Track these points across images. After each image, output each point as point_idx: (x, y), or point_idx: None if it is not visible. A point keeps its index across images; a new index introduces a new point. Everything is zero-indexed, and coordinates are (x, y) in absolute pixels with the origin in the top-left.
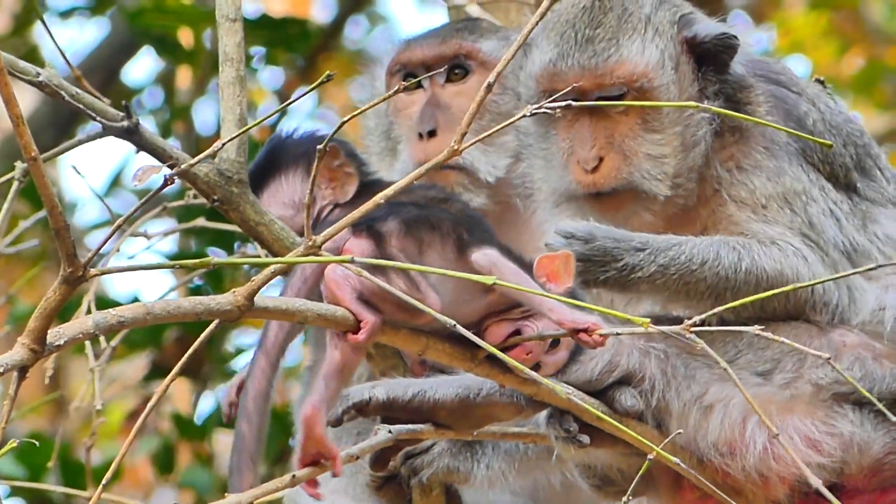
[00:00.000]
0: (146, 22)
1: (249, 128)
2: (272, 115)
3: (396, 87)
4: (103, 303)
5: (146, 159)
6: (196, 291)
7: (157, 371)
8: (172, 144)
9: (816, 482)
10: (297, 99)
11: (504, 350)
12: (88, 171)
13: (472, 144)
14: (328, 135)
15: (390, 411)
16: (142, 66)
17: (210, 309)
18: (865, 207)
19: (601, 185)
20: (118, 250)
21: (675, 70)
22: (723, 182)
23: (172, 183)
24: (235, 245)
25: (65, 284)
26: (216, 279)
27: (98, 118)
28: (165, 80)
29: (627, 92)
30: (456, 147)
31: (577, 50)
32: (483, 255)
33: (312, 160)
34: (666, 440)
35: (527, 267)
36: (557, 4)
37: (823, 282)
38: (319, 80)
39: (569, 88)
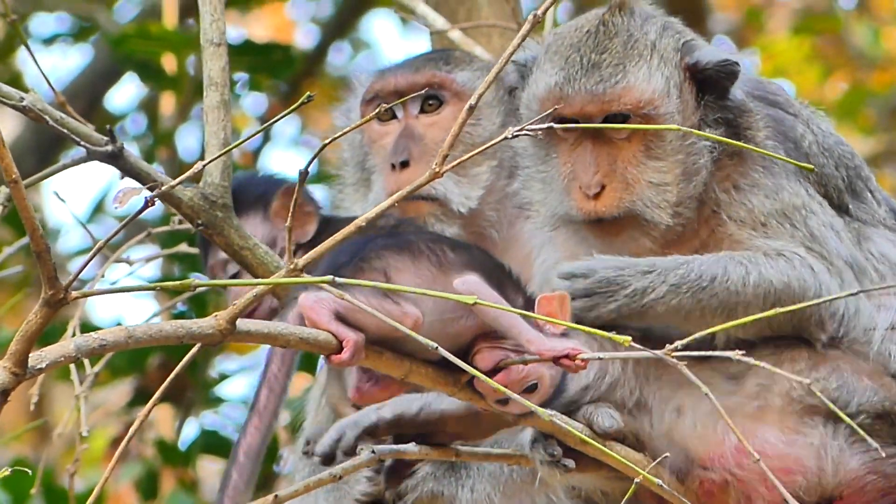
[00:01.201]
0: (129, 48)
1: (230, 149)
2: (253, 136)
3: (367, 117)
4: (86, 328)
5: (129, 183)
6: (179, 317)
7: (141, 397)
8: (156, 169)
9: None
10: (277, 120)
11: (487, 375)
12: (71, 196)
13: (452, 167)
14: (285, 178)
15: (400, 428)
16: (125, 93)
17: (192, 332)
18: (858, 227)
19: (603, 213)
20: (102, 276)
21: (679, 97)
22: (721, 204)
23: (153, 205)
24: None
25: (46, 307)
26: (199, 305)
27: (82, 143)
28: (148, 107)
29: (631, 118)
30: (437, 170)
31: (583, 74)
32: (463, 283)
33: (270, 202)
34: (652, 464)
35: (514, 287)
36: (559, 28)
37: (845, 296)
38: (299, 102)
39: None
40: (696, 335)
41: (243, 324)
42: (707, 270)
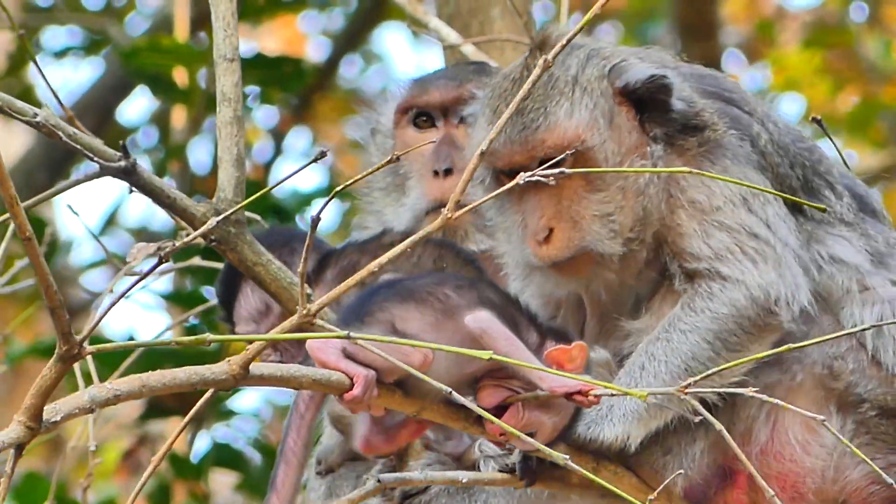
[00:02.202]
0: (141, 61)
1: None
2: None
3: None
4: (97, 341)
5: (142, 200)
6: (192, 331)
7: (153, 411)
8: (168, 184)
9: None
10: (290, 177)
11: (497, 412)
12: (84, 209)
13: (465, 212)
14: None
15: None
16: (137, 106)
17: (205, 379)
18: (811, 228)
19: (556, 257)
20: (111, 290)
21: (610, 124)
22: (685, 186)
23: (167, 261)
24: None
25: (60, 363)
26: (211, 319)
27: (95, 158)
28: (160, 120)
29: (565, 158)
30: (450, 216)
31: (509, 125)
32: (474, 320)
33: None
34: (658, 489)
35: (527, 320)
36: (494, 80)
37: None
38: (313, 158)
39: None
40: (708, 372)
41: (256, 368)
42: (654, 360)
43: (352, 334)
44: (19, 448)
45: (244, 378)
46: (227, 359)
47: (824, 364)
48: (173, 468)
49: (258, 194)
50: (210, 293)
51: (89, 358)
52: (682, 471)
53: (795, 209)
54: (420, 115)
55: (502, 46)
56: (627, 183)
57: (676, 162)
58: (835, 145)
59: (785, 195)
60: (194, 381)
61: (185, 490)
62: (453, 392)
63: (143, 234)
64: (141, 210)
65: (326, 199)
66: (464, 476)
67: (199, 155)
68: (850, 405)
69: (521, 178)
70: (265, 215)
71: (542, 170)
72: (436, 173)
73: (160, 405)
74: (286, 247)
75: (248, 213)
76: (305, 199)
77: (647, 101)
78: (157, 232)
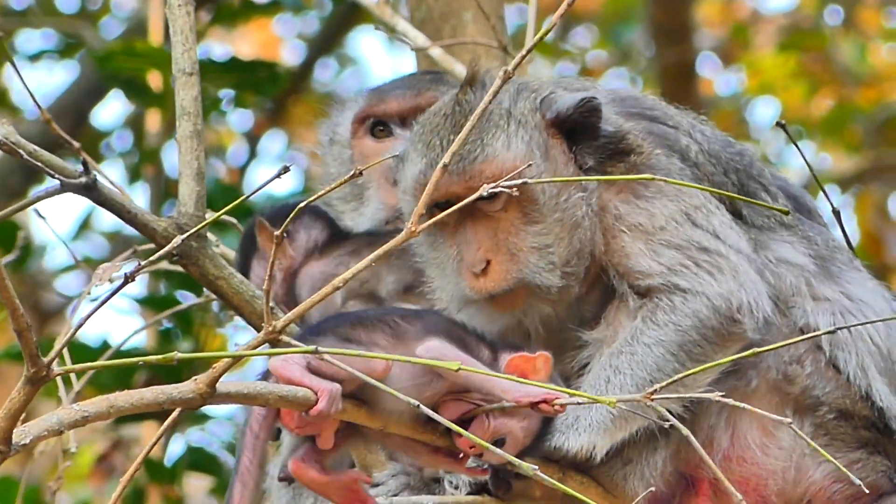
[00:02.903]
0: (115, 65)
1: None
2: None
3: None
4: (73, 347)
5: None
6: (165, 334)
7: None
8: (138, 194)
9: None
10: (257, 191)
11: (463, 425)
12: (58, 213)
13: (427, 226)
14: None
15: None
16: (111, 110)
17: (172, 398)
18: (754, 235)
19: (493, 289)
20: (88, 293)
21: (546, 157)
22: (621, 214)
23: (133, 280)
24: (204, 289)
25: (28, 385)
26: (185, 322)
27: (56, 175)
28: (135, 124)
29: (500, 192)
30: (413, 229)
31: (443, 157)
32: (426, 350)
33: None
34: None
35: (475, 340)
36: (424, 116)
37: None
38: (275, 174)
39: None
40: (674, 378)
41: (223, 386)
42: (607, 378)
43: (319, 348)
44: None
45: (211, 396)
46: (194, 378)
47: (779, 369)
48: (147, 472)
49: (218, 215)
50: (183, 296)
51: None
52: (652, 489)
53: (737, 216)
54: (377, 124)
55: (474, 49)
56: (565, 215)
57: (610, 191)
58: (799, 150)
59: (744, 198)
60: (161, 401)
61: (160, 494)
62: (421, 405)
63: (116, 238)
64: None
65: (290, 215)
66: (429, 500)
67: (173, 159)
68: (808, 408)
69: (470, 199)
70: (238, 220)
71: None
72: (395, 183)
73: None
74: (298, 220)
75: (225, 217)
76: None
77: (577, 129)
78: (130, 236)
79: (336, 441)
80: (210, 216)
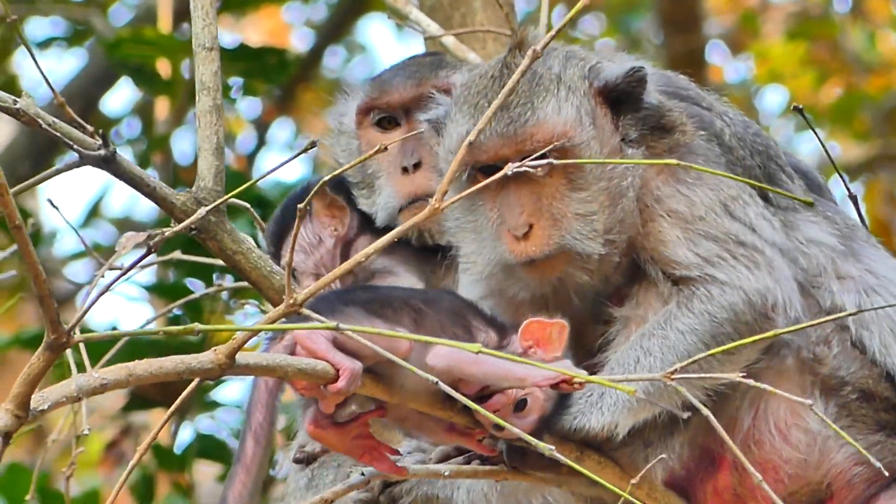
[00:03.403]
0: (124, 52)
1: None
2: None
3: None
4: (83, 331)
5: (125, 191)
6: (175, 321)
7: (137, 401)
8: (150, 174)
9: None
10: (278, 168)
11: (478, 401)
12: (67, 200)
13: (452, 203)
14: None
15: None
16: (120, 97)
17: (192, 368)
18: (782, 217)
19: (534, 253)
20: (102, 276)
21: (594, 124)
22: (661, 197)
23: (156, 251)
24: (214, 276)
25: (48, 351)
26: (195, 310)
27: (75, 147)
28: (143, 111)
29: (549, 154)
30: (437, 206)
31: (493, 119)
32: (435, 357)
33: (310, 203)
34: (639, 474)
35: (483, 322)
36: (466, 76)
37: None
38: (304, 148)
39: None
40: (695, 357)
41: (242, 357)
42: (637, 358)
43: (341, 325)
44: (6, 436)
45: (230, 367)
46: (214, 348)
47: (809, 349)
48: (157, 459)
49: (241, 188)
50: (193, 284)
51: (80, 346)
52: (663, 455)
53: (765, 199)
54: (382, 115)
55: (484, 38)
56: (611, 184)
57: (652, 168)
58: (816, 135)
59: (774, 188)
60: (180, 370)
61: (169, 481)
62: (440, 382)
63: (126, 225)
64: (124, 201)
65: (305, 201)
66: (446, 469)
67: (182, 146)
68: (833, 388)
69: (510, 168)
70: (251, 205)
71: (532, 160)
72: (405, 170)
73: (144, 396)
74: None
75: (236, 202)
76: (289, 190)
77: (622, 99)
78: (140, 222)
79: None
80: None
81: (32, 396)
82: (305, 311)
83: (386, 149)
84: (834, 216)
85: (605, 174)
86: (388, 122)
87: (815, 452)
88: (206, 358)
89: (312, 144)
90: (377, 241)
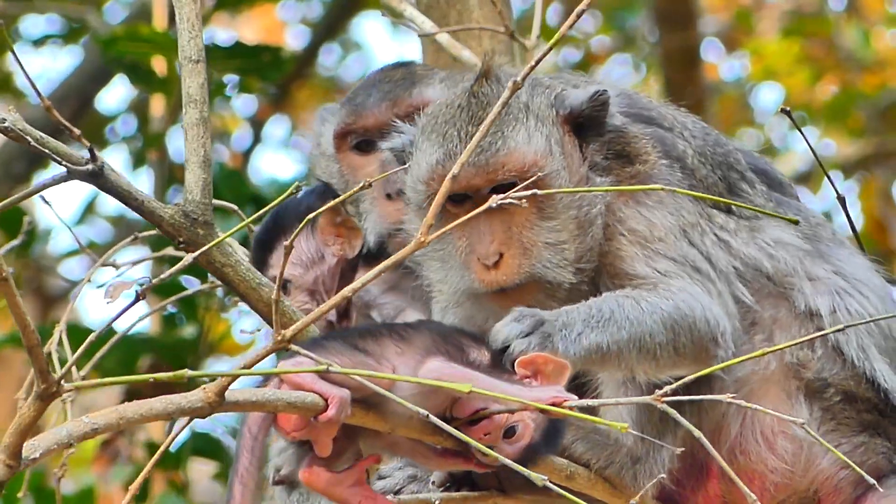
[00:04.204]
0: (119, 50)
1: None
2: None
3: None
4: (75, 331)
5: (121, 279)
6: (170, 319)
7: (132, 398)
8: (143, 179)
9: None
10: (271, 206)
11: (469, 424)
12: (62, 196)
13: (437, 236)
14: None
15: None
16: (115, 94)
17: (182, 408)
18: (747, 222)
19: (504, 282)
20: (89, 280)
21: (563, 153)
22: (623, 218)
23: (144, 298)
24: (209, 274)
25: (38, 400)
26: (189, 307)
27: (63, 162)
28: (139, 108)
29: (517, 184)
30: (423, 240)
31: (463, 148)
32: (429, 372)
33: (315, 217)
34: (640, 493)
35: (475, 344)
36: (430, 108)
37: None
38: (288, 192)
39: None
40: (685, 380)
41: (232, 395)
42: (605, 306)
43: (329, 364)
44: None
45: (220, 405)
46: (203, 387)
47: (793, 353)
48: (151, 457)
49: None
50: (187, 281)
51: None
52: (662, 475)
53: (728, 210)
54: (359, 139)
55: (480, 35)
56: (580, 213)
57: (620, 197)
58: (805, 137)
59: (756, 209)
60: (171, 411)
61: (164, 479)
62: (430, 416)
63: (120, 222)
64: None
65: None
66: (436, 498)
67: (177, 144)
68: (817, 391)
69: (495, 200)
70: (242, 205)
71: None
72: (388, 196)
73: (139, 393)
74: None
75: (226, 204)
76: (284, 188)
77: (587, 124)
78: (134, 220)
79: (339, 447)
80: (216, 203)
81: (24, 444)
82: (294, 347)
83: (370, 185)
84: (798, 215)
85: (574, 203)
86: (365, 144)
87: (801, 461)
88: (195, 397)
89: (298, 188)
90: (367, 275)
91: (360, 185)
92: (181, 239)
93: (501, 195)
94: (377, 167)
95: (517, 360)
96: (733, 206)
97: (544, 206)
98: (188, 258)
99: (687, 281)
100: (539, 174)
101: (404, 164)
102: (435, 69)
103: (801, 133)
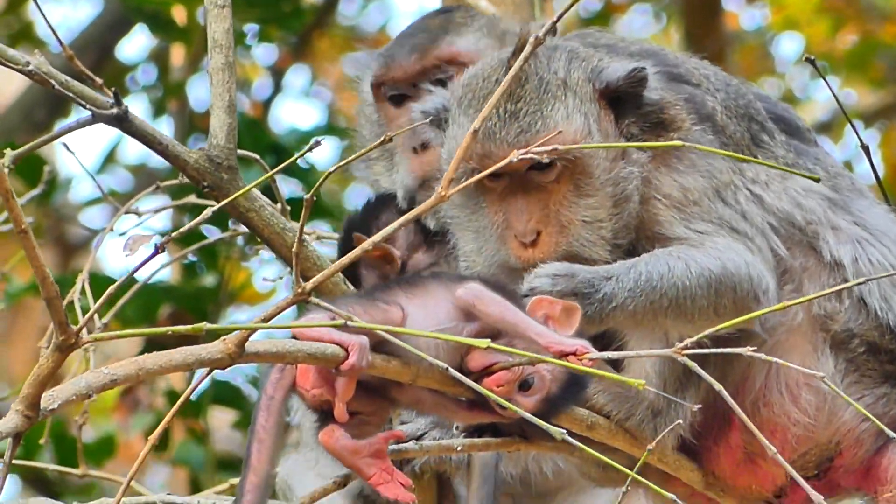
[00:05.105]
0: None
1: None
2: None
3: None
4: (97, 280)
5: (139, 231)
6: (190, 267)
7: (152, 348)
8: (163, 128)
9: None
10: (289, 163)
11: (485, 375)
12: (84, 145)
13: (456, 191)
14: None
15: None
16: (135, 44)
17: (201, 359)
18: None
19: (541, 260)
20: (111, 229)
21: (599, 130)
22: (657, 185)
23: (163, 251)
24: (229, 221)
25: (57, 352)
26: (210, 256)
27: (87, 106)
28: (159, 58)
29: (556, 163)
30: (443, 194)
31: (502, 127)
32: (465, 290)
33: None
34: (654, 441)
35: (510, 295)
36: (464, 78)
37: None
38: (308, 147)
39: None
40: (706, 332)
41: (252, 346)
42: (654, 270)
43: (349, 315)
44: (17, 436)
45: (240, 356)
46: (223, 338)
47: (821, 304)
48: (172, 405)
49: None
50: (208, 230)
51: (87, 292)
52: (679, 421)
53: (753, 152)
54: (392, 92)
55: None
56: (617, 189)
57: (653, 163)
58: (829, 86)
59: (782, 167)
60: (190, 362)
61: (184, 427)
62: (449, 368)
63: (141, 172)
64: (139, 148)
65: (319, 181)
66: (458, 444)
67: (197, 93)
68: (842, 343)
69: (516, 155)
70: (263, 154)
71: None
72: (414, 150)
73: (159, 342)
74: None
75: (248, 153)
76: (304, 137)
77: (623, 98)
78: (155, 169)
79: (364, 413)
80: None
81: (42, 395)
82: (314, 299)
83: (391, 140)
84: (817, 167)
85: (611, 179)
86: (399, 96)
87: (824, 414)
88: (215, 348)
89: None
90: (390, 226)
91: (381, 139)
92: (206, 183)
93: (522, 150)
94: (410, 120)
95: (529, 309)
96: (762, 151)
97: (581, 183)
98: (214, 207)
99: (729, 239)
100: (577, 153)
101: (438, 127)
102: (476, 15)
103: (825, 80)
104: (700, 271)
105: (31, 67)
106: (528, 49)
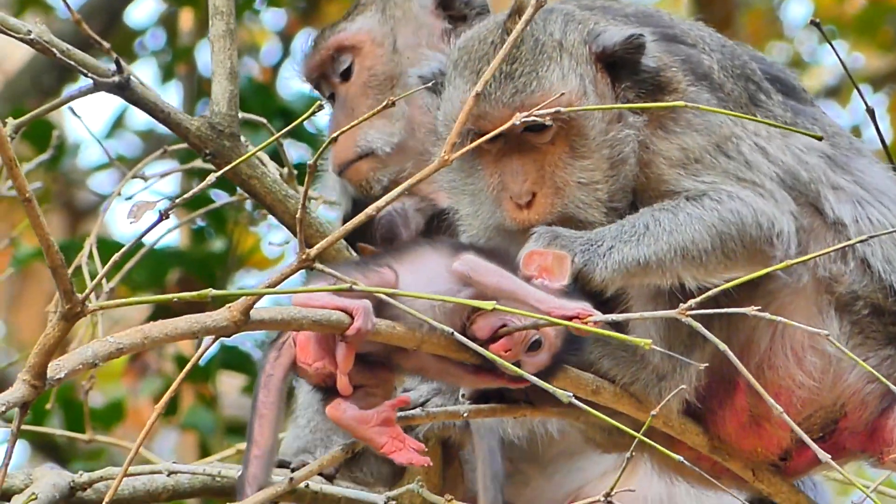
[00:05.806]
0: None
1: None
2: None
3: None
4: (105, 245)
5: (144, 197)
6: (199, 232)
7: (160, 313)
8: (171, 93)
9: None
10: (289, 129)
11: (492, 341)
12: (92, 110)
13: (462, 153)
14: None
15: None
16: (144, 8)
17: (206, 327)
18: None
19: (537, 221)
20: (119, 193)
21: (595, 92)
22: (653, 146)
23: (167, 218)
24: (237, 187)
25: (63, 321)
26: (218, 221)
27: (89, 74)
28: (168, 22)
29: (552, 125)
30: (446, 157)
31: (497, 87)
32: (461, 263)
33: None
34: (659, 405)
35: (505, 261)
36: (461, 40)
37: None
38: (311, 110)
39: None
40: (710, 293)
41: (257, 313)
42: (639, 222)
43: (353, 282)
44: (24, 406)
45: (245, 324)
46: (228, 305)
47: (825, 267)
48: (181, 370)
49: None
50: (216, 195)
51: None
52: (683, 387)
53: (751, 111)
54: (317, 83)
55: None
56: (613, 151)
57: (650, 127)
58: (835, 50)
59: (782, 126)
60: (195, 330)
61: (193, 392)
62: (455, 333)
63: (150, 137)
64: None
65: (321, 147)
66: (465, 410)
67: (206, 58)
68: (847, 305)
69: (518, 118)
70: (271, 118)
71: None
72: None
73: (167, 308)
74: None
75: (254, 117)
76: (312, 102)
77: (620, 63)
78: (163, 134)
79: (368, 385)
80: (244, 116)
81: (49, 365)
82: (318, 265)
83: (394, 104)
84: (815, 124)
85: (607, 141)
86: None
87: (829, 376)
88: (220, 316)
89: (320, 107)
90: (391, 192)
91: (384, 104)
92: (207, 151)
93: (525, 113)
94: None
95: (521, 265)
96: (760, 109)
97: (577, 145)
98: (215, 175)
99: (736, 187)
100: (572, 114)
101: (434, 93)
102: None
103: (830, 44)
104: (690, 219)
105: (32, 36)
106: (529, 11)
